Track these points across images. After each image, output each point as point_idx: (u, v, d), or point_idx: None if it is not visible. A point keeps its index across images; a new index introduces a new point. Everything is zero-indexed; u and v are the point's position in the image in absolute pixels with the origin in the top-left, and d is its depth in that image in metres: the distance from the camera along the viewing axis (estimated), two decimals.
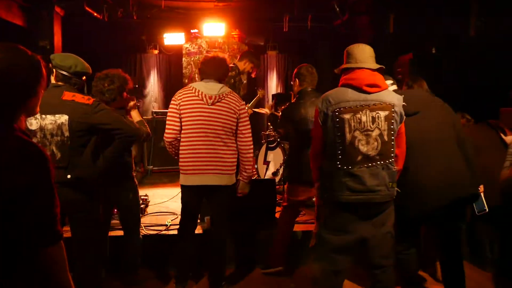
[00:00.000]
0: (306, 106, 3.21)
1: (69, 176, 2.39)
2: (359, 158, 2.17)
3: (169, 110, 2.91)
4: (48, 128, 2.39)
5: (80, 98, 2.44)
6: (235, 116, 2.90)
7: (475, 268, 3.40)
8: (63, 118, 2.40)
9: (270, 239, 3.50)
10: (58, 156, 2.40)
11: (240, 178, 3.07)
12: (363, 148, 2.17)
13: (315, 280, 2.44)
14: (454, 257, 2.67)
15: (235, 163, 2.97)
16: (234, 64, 4.35)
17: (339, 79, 2.36)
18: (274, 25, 7.40)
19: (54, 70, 2.53)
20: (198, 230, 3.58)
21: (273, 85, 8.71)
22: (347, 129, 2.18)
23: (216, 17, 6.99)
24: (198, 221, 3.66)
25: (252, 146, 3.00)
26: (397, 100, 2.25)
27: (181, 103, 2.86)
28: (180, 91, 2.94)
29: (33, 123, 2.41)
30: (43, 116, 2.40)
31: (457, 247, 2.66)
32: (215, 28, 7.08)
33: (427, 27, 5.22)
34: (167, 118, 2.92)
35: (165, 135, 2.90)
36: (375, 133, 2.17)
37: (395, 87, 2.79)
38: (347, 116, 2.19)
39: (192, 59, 7.60)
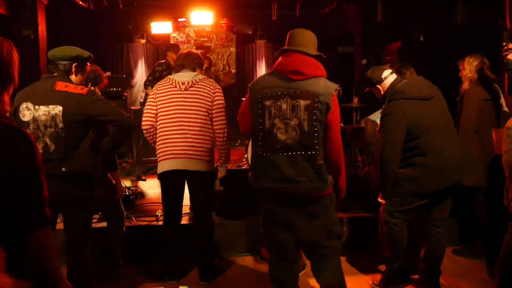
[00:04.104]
0: None
1: (63, 169, 2.32)
2: (279, 146, 2.13)
3: (147, 100, 3.09)
4: (42, 120, 2.32)
5: (73, 88, 2.39)
6: (209, 99, 2.97)
7: (467, 255, 3.45)
8: (57, 109, 2.33)
9: (258, 227, 3.51)
10: (52, 148, 2.32)
11: (218, 162, 3.13)
12: (281, 136, 2.12)
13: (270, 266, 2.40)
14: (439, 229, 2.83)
15: (212, 149, 3.00)
16: (165, 60, 5.08)
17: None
18: (263, 14, 7.35)
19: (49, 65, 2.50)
20: (187, 221, 3.60)
21: (261, 74, 8.69)
22: (267, 116, 2.16)
23: (204, 6, 6.92)
24: (188, 211, 3.69)
25: (225, 130, 3.01)
26: (325, 89, 2.11)
27: (157, 92, 3.02)
28: (158, 82, 3.12)
29: (26, 114, 2.34)
30: (36, 107, 2.33)
31: (445, 216, 2.84)
32: (203, 17, 7.01)
33: (415, 15, 5.24)
34: (145, 107, 3.10)
35: (142, 123, 3.05)
36: (294, 122, 2.11)
37: (394, 76, 2.80)
38: (268, 102, 2.16)
39: (180, 48, 7.53)
